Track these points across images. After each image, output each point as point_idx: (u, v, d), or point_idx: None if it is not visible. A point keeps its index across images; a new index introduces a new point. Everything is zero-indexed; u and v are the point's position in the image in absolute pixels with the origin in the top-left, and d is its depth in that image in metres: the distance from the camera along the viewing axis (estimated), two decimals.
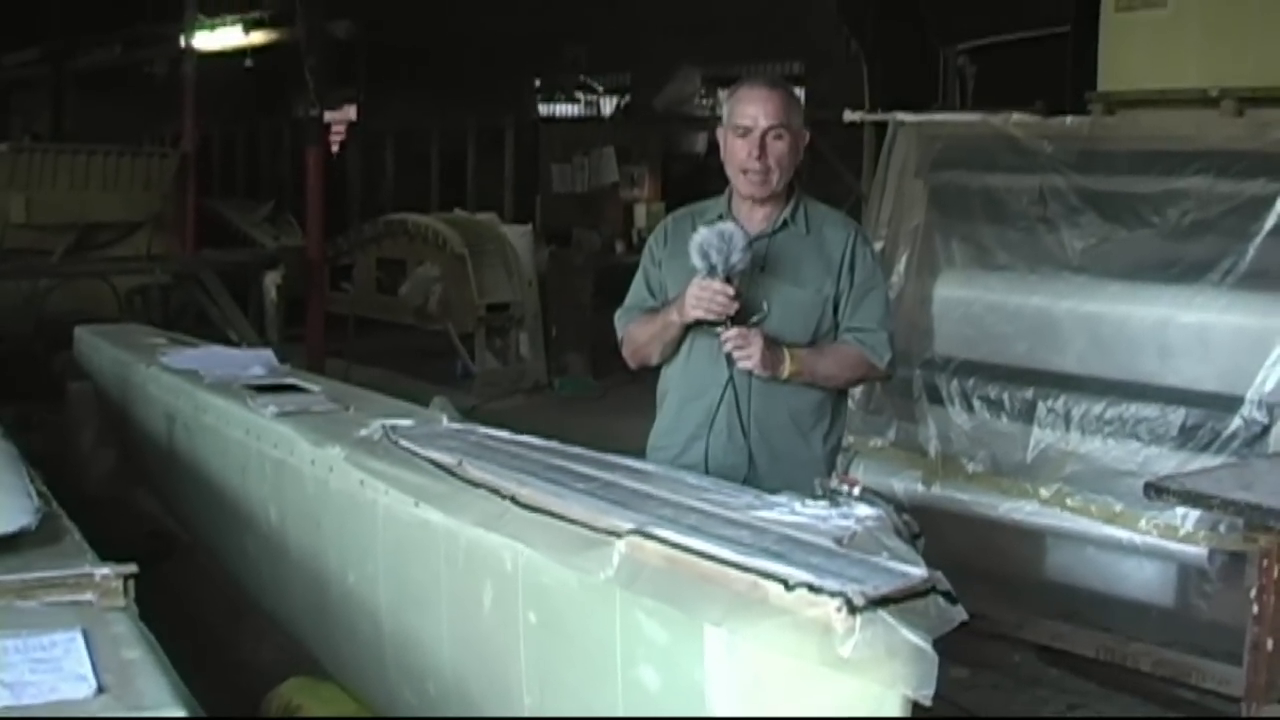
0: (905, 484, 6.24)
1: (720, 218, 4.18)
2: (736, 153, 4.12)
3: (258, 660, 5.56)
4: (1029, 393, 6.05)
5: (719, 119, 4.29)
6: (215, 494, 5.66)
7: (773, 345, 3.99)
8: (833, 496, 3.29)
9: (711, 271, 3.91)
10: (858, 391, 6.33)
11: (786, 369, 4.02)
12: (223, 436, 5.52)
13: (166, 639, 2.81)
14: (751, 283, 4.05)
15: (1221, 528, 5.24)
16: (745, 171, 4.11)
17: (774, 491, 3.55)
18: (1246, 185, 5.64)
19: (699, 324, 4.08)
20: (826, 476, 4.04)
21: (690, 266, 4.00)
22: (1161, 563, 5.65)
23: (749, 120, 4.07)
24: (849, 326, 4.17)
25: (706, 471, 4.05)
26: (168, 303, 12.92)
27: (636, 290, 4.42)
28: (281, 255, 14.03)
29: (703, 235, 3.92)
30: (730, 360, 4.02)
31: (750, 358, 3.96)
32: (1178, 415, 5.64)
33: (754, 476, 4.06)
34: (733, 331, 3.95)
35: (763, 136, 4.06)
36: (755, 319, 4.04)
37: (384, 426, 4.49)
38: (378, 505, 4.10)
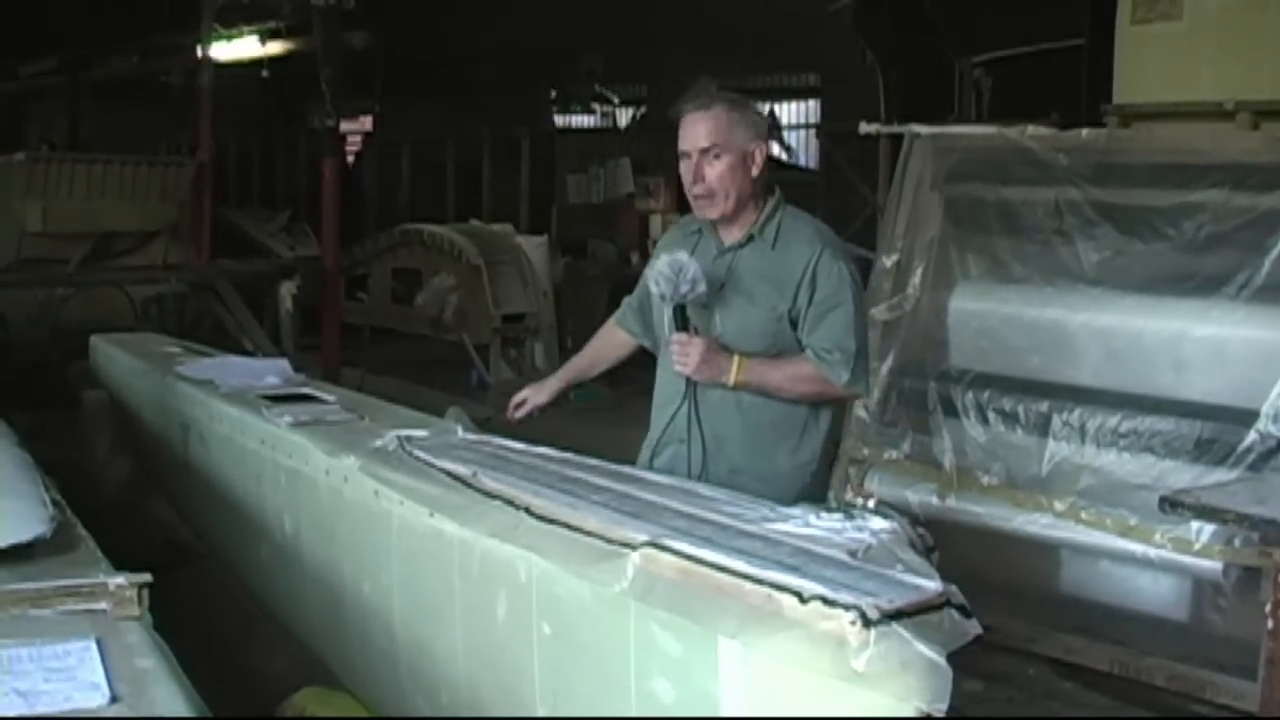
0: (920, 496, 6.22)
1: (700, 230, 4.30)
2: (683, 176, 4.20)
3: (271, 669, 5.56)
4: (1044, 406, 6.04)
5: None
6: (230, 503, 5.67)
7: (718, 353, 4.06)
8: (848, 509, 3.29)
9: (663, 299, 4.05)
10: (872, 404, 6.36)
11: (731, 377, 4.07)
12: (238, 446, 5.52)
13: (180, 648, 2.82)
14: (711, 297, 4.12)
15: (1237, 542, 5.23)
16: (691, 196, 4.20)
17: None
18: (1262, 199, 5.63)
19: (666, 334, 4.23)
20: (801, 494, 4.07)
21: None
22: (1176, 577, 5.64)
23: (686, 144, 4.16)
24: (808, 343, 4.15)
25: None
26: (183, 312, 12.94)
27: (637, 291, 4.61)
28: (297, 265, 14.05)
29: (660, 265, 4.05)
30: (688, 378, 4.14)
31: (686, 365, 4.06)
32: (1193, 429, 5.63)
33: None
34: (677, 337, 4.06)
35: (699, 159, 4.12)
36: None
37: (399, 437, 4.50)
38: (392, 515, 4.10)
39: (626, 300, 4.70)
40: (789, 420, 4.23)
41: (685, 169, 4.17)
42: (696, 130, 4.12)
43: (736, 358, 4.07)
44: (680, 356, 4.07)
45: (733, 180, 4.12)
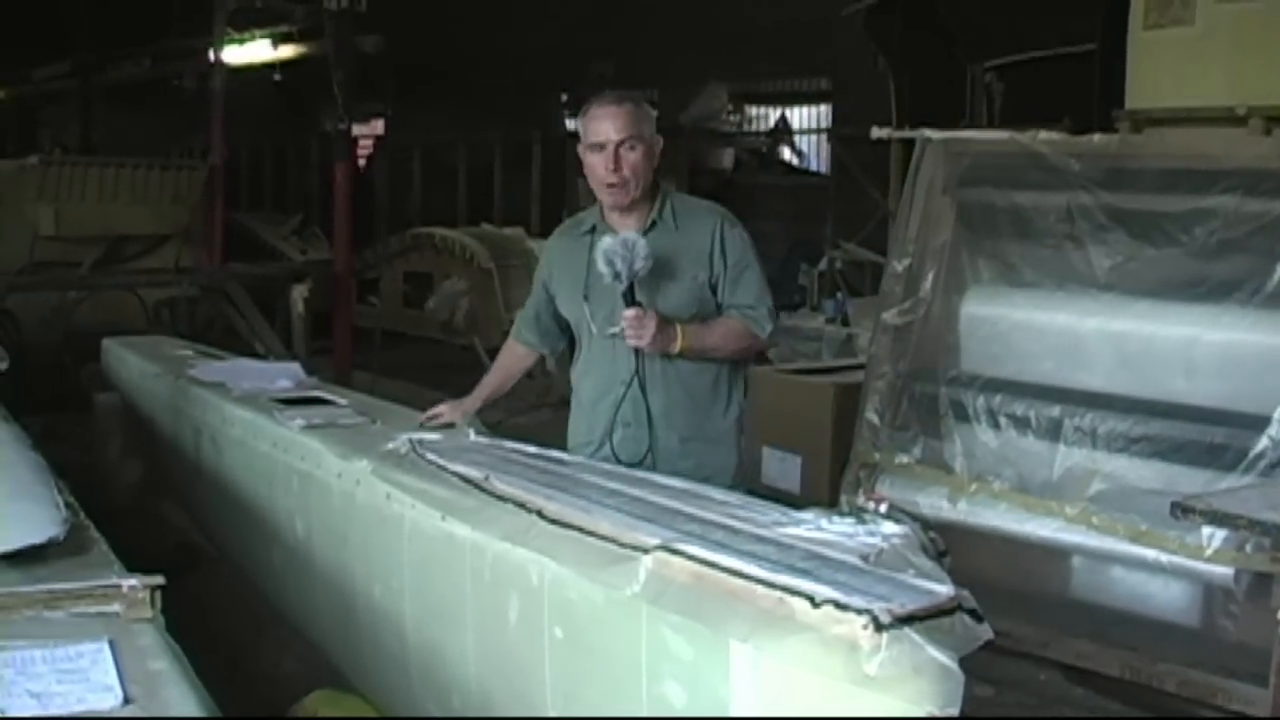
0: (931, 501, 6.23)
1: (594, 228, 4.54)
2: (595, 168, 4.42)
3: (282, 672, 5.57)
4: (1055, 410, 6.03)
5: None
6: (242, 506, 5.68)
7: (665, 324, 4.31)
8: (859, 514, 3.30)
9: (617, 278, 4.24)
10: (883, 407, 6.37)
11: (678, 345, 4.34)
12: (250, 449, 5.54)
13: (192, 650, 2.82)
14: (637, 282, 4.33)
15: (1248, 548, 5.22)
16: (607, 185, 4.41)
17: (682, 471, 4.22)
18: (1274, 204, 5.62)
19: (591, 330, 4.54)
20: (735, 452, 4.60)
21: (574, 275, 4.51)
22: (1188, 582, 5.63)
23: (601, 136, 4.37)
24: (731, 304, 4.50)
25: (617, 461, 4.43)
26: (195, 315, 12.95)
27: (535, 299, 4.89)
28: (309, 268, 14.07)
29: (607, 244, 4.26)
30: (638, 358, 4.41)
31: (642, 338, 4.28)
32: (1204, 434, 5.61)
33: (657, 461, 4.43)
34: (631, 313, 4.27)
35: (616, 149, 4.36)
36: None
37: (410, 440, 4.52)
38: (404, 519, 4.11)
39: (519, 315, 5.02)
40: (718, 383, 4.57)
41: (600, 160, 4.38)
42: (614, 123, 4.36)
43: (679, 326, 4.35)
44: (637, 329, 4.27)
45: (645, 169, 4.41)
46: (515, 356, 5.07)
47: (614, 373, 4.50)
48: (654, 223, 4.47)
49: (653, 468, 4.36)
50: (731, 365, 4.61)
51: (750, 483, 5.02)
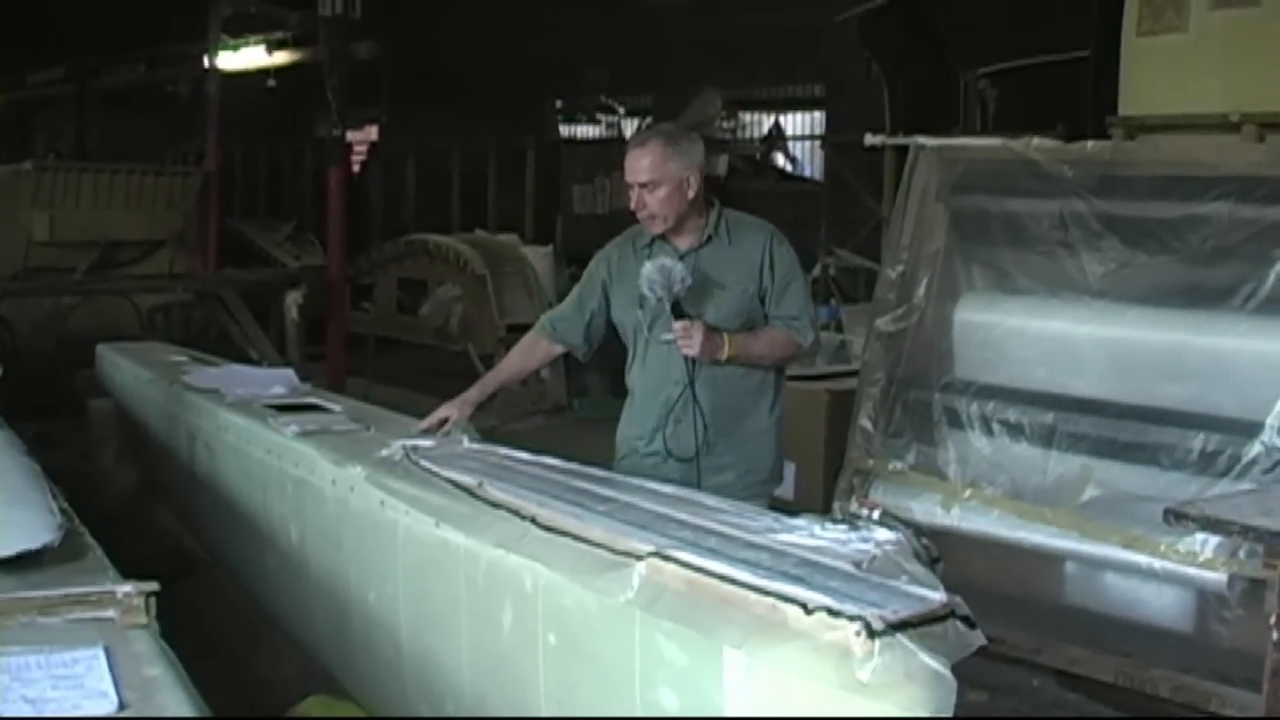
0: (924, 507, 6.23)
1: (653, 241, 4.88)
2: (631, 200, 4.82)
3: (277, 677, 5.57)
4: (1048, 417, 6.04)
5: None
6: (236, 513, 5.68)
7: (712, 334, 4.65)
8: (852, 520, 3.31)
9: (660, 302, 4.61)
10: (876, 414, 6.38)
11: (725, 352, 4.69)
12: (244, 455, 5.54)
13: (186, 657, 2.82)
14: (689, 290, 4.65)
15: (1241, 554, 5.22)
16: (639, 216, 4.81)
17: (727, 465, 4.77)
18: (1268, 211, 5.62)
19: (645, 336, 4.87)
20: (775, 447, 4.97)
21: (633, 284, 4.76)
22: (1181, 588, 5.63)
23: (630, 176, 4.79)
24: (776, 315, 4.87)
25: (668, 453, 4.82)
26: (189, 321, 12.95)
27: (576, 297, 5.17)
28: (303, 275, 14.04)
29: (648, 270, 4.60)
30: (688, 362, 4.69)
31: (692, 346, 4.61)
32: (1198, 440, 5.61)
33: (709, 452, 4.80)
34: (679, 325, 4.60)
35: (640, 190, 4.75)
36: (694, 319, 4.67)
37: (405, 447, 4.52)
38: (398, 525, 4.11)
39: (551, 318, 5.23)
40: (763, 386, 4.93)
41: (632, 196, 4.78)
42: (637, 165, 4.74)
43: (726, 335, 4.70)
44: (685, 340, 4.60)
45: (671, 205, 4.74)
46: (539, 351, 5.27)
47: (668, 373, 4.81)
48: (709, 237, 4.84)
49: (709, 459, 4.76)
50: (775, 371, 4.98)
51: None
